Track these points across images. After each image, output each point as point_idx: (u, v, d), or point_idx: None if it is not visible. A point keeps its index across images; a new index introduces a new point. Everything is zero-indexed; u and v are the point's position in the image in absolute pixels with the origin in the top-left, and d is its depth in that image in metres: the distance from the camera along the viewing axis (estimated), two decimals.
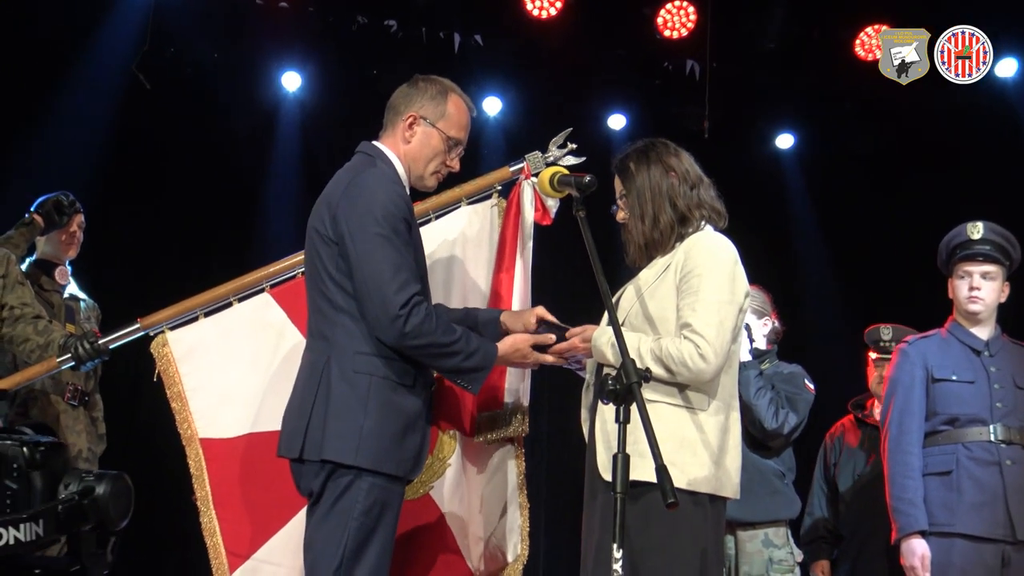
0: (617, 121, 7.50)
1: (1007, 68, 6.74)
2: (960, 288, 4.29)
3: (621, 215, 3.28)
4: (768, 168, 7.77)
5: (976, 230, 4.25)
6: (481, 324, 3.46)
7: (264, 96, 7.16)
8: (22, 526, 2.51)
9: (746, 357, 4.15)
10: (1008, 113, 6.97)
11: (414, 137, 3.33)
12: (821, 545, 5.25)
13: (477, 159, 7.19)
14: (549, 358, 3.34)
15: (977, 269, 4.24)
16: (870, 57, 6.98)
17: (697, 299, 3.04)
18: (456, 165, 3.42)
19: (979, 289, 4.24)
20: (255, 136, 7.08)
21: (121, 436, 5.27)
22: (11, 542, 2.48)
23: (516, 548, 3.76)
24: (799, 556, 4.24)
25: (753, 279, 4.35)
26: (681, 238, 3.20)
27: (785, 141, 7.74)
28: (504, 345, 3.30)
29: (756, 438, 4.18)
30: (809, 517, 5.30)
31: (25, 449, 2.63)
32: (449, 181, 3.84)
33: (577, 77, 7.32)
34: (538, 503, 6.83)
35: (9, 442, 2.64)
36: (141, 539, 6.62)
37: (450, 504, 3.69)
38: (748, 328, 4.24)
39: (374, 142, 3.37)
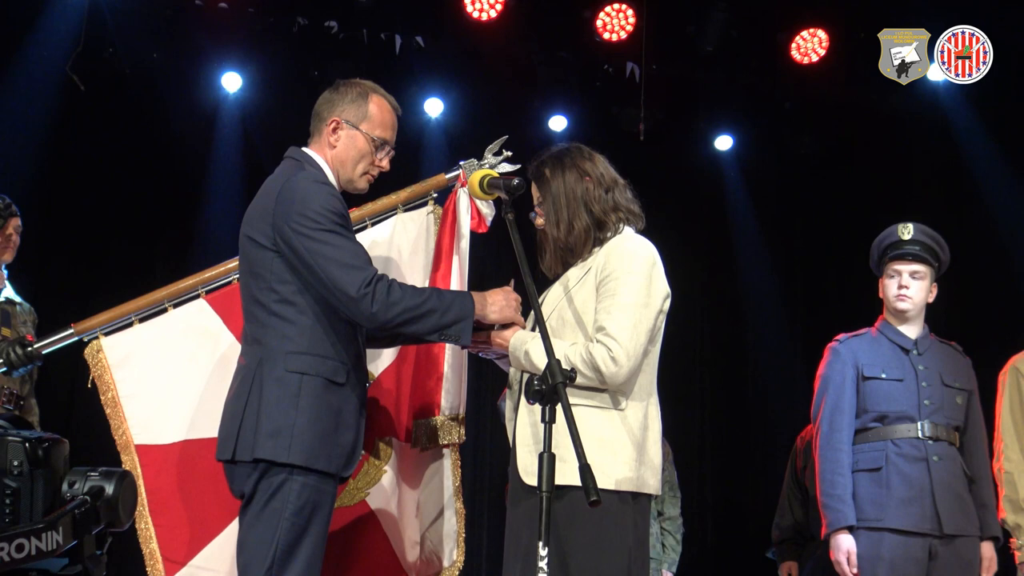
0: (558, 123, 7.53)
1: (938, 72, 6.84)
2: (889, 287, 4.38)
3: (539, 221, 3.31)
4: (707, 170, 7.85)
5: (906, 231, 4.34)
6: None
7: (204, 97, 7.11)
8: (44, 535, 2.34)
9: None
10: (940, 117, 7.11)
11: (339, 141, 3.35)
12: (789, 546, 5.33)
13: (419, 160, 7.24)
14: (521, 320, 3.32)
15: (906, 268, 4.33)
16: (806, 60, 7.11)
17: (613, 302, 3.08)
18: (386, 165, 3.42)
19: (907, 288, 4.32)
20: (195, 137, 7.04)
21: None
22: (33, 553, 2.31)
23: (452, 554, 3.78)
24: None
25: (693, 281, 4.42)
26: (599, 242, 3.23)
27: (724, 143, 7.82)
28: (481, 294, 3.27)
29: None
30: (779, 518, 5.37)
31: (27, 445, 2.42)
32: (385, 188, 3.86)
33: (518, 79, 7.35)
34: (481, 506, 6.89)
35: (10, 437, 2.44)
36: None
37: (386, 509, 3.70)
38: None
39: (303, 148, 3.38)
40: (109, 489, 2.53)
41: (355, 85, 3.40)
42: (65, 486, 2.52)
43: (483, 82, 7.35)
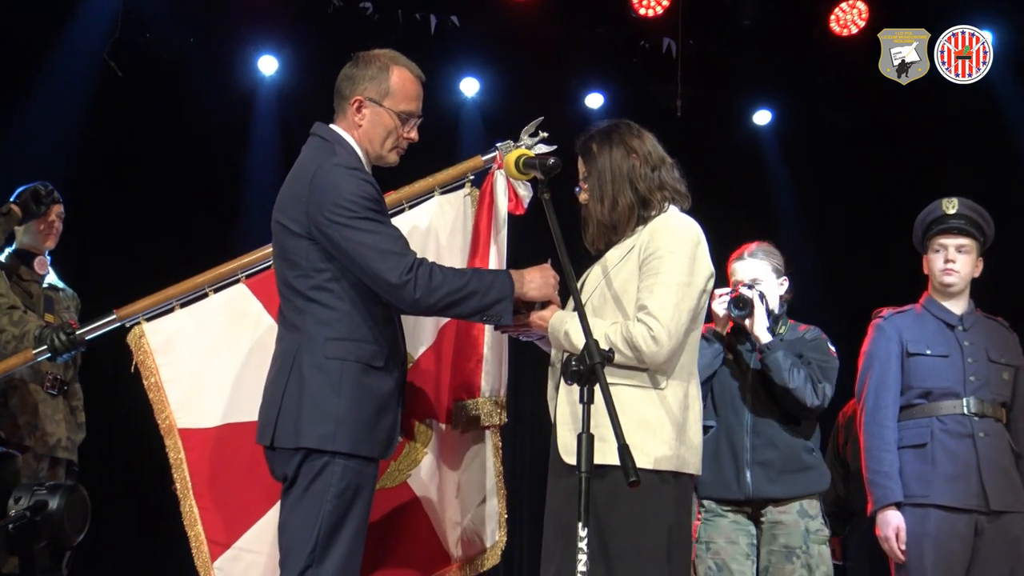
0: (595, 100, 7.51)
1: None
2: (935, 261, 4.34)
3: (583, 196, 3.28)
4: (746, 144, 7.78)
5: (951, 205, 4.30)
6: None
7: (241, 80, 7.14)
8: None
9: (767, 336, 4.08)
10: (984, 87, 6.98)
11: (364, 120, 3.30)
12: (832, 521, 5.30)
13: (455, 140, 7.23)
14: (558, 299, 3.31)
15: (952, 242, 4.30)
16: (845, 32, 7.02)
17: (656, 281, 3.05)
18: (414, 136, 3.37)
19: (954, 262, 4.30)
20: (232, 121, 7.07)
21: (101, 425, 5.28)
22: None
23: (494, 534, 3.78)
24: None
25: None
26: (643, 220, 3.20)
27: (763, 117, 7.76)
28: (519, 272, 3.25)
29: (788, 414, 4.09)
30: None
31: None
32: (422, 169, 3.85)
33: (554, 57, 7.31)
34: (521, 485, 6.89)
35: None
36: (122, 527, 6.66)
37: (427, 491, 3.70)
38: (763, 298, 4.14)
39: (330, 125, 3.35)
40: (53, 504, 2.46)
41: (375, 59, 3.34)
42: (11, 502, 2.47)
43: (519, 60, 7.32)
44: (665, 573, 2.99)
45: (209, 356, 3.68)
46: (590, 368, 2.70)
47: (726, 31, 7.23)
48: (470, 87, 7.42)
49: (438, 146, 6.38)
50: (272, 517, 3.49)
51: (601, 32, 7.32)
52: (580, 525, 2.64)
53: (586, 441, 2.67)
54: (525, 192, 3.75)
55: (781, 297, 4.30)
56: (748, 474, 4.05)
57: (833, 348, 4.25)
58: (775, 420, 4.09)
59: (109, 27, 6.46)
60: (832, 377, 4.14)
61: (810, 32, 7.18)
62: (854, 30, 7.02)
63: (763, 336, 4.08)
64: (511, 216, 3.74)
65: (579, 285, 3.17)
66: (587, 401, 2.70)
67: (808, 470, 4.08)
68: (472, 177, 3.88)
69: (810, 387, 4.03)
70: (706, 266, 3.15)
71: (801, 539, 4.03)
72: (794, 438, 4.09)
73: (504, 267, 3.67)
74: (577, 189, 3.32)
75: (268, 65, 7.11)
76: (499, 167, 3.77)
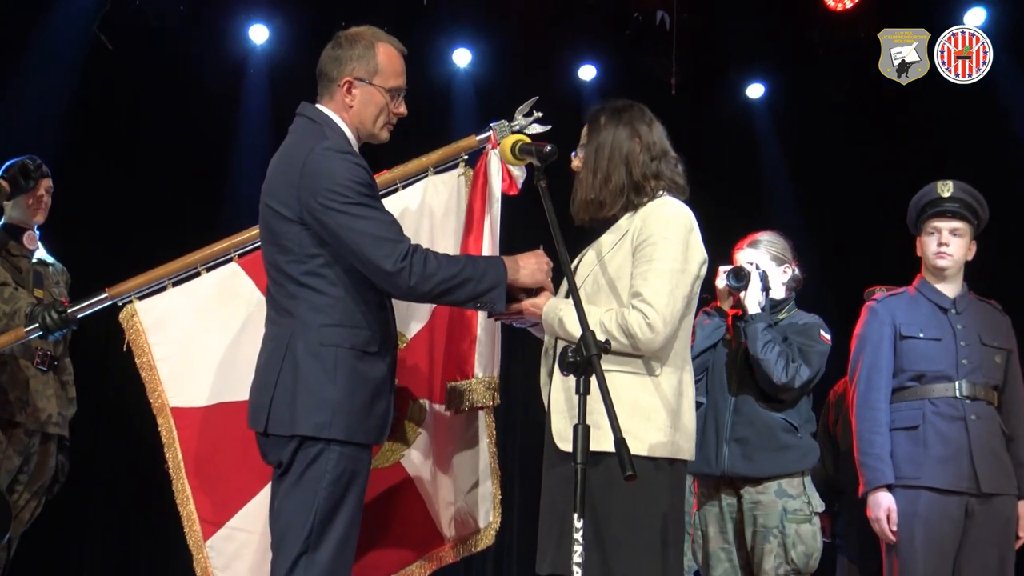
0: (588, 72, 7.47)
1: (977, 17, 6.71)
2: (929, 244, 4.34)
3: (576, 163, 3.28)
4: (739, 118, 7.75)
5: (946, 188, 4.30)
6: None
7: (231, 49, 7.07)
8: None
9: (755, 309, 4.12)
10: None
11: (355, 100, 3.27)
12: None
13: (448, 111, 7.19)
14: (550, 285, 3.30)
15: (946, 225, 4.30)
16: (839, 7, 6.99)
17: (650, 268, 3.05)
18: (403, 109, 3.35)
19: (947, 245, 4.30)
20: (223, 91, 7.00)
21: (92, 400, 5.27)
22: None
23: (488, 515, 3.80)
24: (819, 506, 4.15)
25: (725, 232, 4.37)
26: (633, 206, 3.19)
27: (756, 91, 7.72)
28: (512, 258, 3.25)
29: (766, 392, 4.12)
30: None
31: None
32: (415, 141, 3.83)
33: (548, 27, 7.26)
34: (512, 468, 6.90)
35: None
36: (114, 505, 6.65)
37: (420, 471, 3.71)
38: (764, 277, 4.18)
39: (317, 105, 3.31)
40: None
41: (358, 37, 3.31)
42: None
43: (512, 31, 7.27)
44: (660, 560, 3.00)
45: (201, 335, 3.67)
46: (587, 359, 2.69)
47: (720, 3, 7.18)
48: (462, 58, 7.36)
49: (430, 116, 6.33)
50: (265, 497, 3.49)
51: (595, 3, 7.26)
52: (576, 516, 2.64)
53: (582, 433, 2.67)
54: (519, 172, 3.74)
55: (785, 284, 4.31)
56: (725, 450, 4.09)
57: (827, 335, 4.25)
58: (754, 398, 4.12)
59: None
60: (813, 361, 4.15)
61: (805, 5, 7.13)
62: (849, 4, 6.99)
63: (751, 308, 4.13)
64: (505, 198, 3.72)
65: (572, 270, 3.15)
66: (583, 392, 2.69)
67: (787, 449, 4.10)
68: (466, 157, 3.86)
69: (782, 363, 4.05)
70: (699, 252, 3.15)
71: (778, 519, 4.05)
72: (773, 417, 4.11)
73: (497, 248, 3.67)
74: (573, 153, 3.31)
75: (259, 34, 7.04)
76: (494, 147, 3.75)
